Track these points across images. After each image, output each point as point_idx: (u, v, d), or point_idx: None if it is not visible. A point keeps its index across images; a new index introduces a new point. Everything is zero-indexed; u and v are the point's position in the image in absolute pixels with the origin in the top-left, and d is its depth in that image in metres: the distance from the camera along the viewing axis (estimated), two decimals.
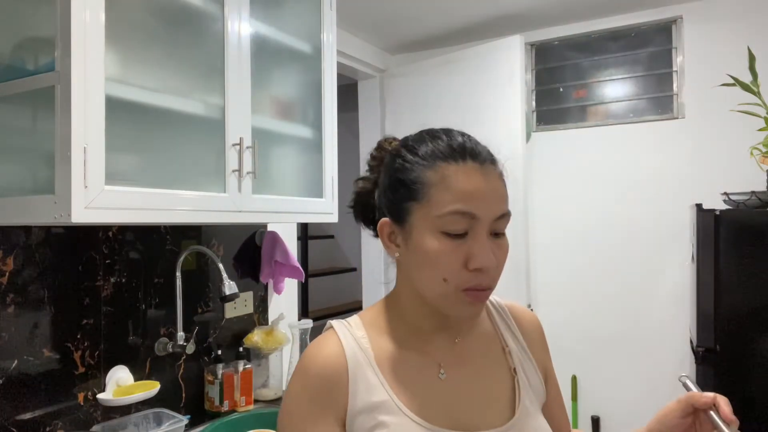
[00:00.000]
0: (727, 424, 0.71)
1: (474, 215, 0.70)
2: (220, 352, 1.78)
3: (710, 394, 0.74)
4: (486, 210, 0.70)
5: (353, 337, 0.77)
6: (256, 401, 1.86)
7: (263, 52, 1.54)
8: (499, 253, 0.72)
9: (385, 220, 0.77)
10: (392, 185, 0.76)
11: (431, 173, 0.72)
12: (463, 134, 0.77)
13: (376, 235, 0.80)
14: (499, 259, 0.72)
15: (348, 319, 0.81)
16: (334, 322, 0.80)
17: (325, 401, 0.72)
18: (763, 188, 1.88)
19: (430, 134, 0.77)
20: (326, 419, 0.71)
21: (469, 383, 0.78)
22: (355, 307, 4.16)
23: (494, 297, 0.87)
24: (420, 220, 0.72)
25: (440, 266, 0.70)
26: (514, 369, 0.81)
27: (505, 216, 0.73)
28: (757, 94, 1.89)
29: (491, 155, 0.75)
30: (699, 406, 0.75)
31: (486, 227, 0.71)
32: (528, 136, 2.73)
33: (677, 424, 0.77)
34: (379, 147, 0.84)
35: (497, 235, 0.73)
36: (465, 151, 0.73)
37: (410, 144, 0.77)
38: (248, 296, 1.97)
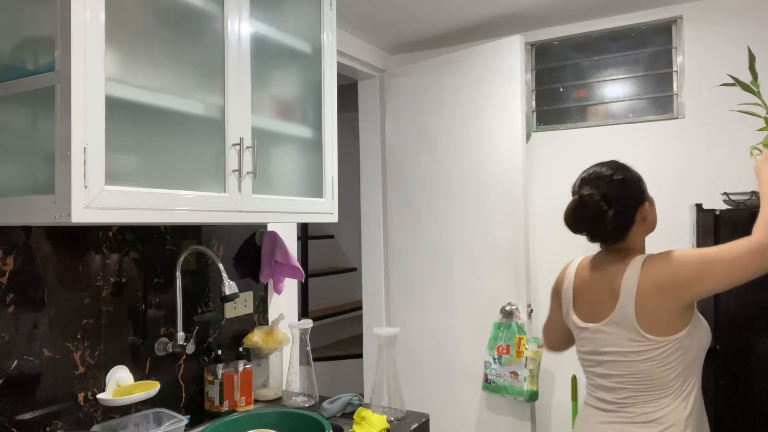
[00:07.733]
0: None
1: None
2: (220, 352, 1.78)
3: None
4: None
5: None
6: (256, 401, 1.86)
7: (263, 52, 1.54)
8: None
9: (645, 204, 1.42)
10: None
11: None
12: None
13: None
14: None
15: None
16: None
17: None
18: None
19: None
20: None
21: None
22: (355, 307, 4.14)
23: None
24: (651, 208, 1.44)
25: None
26: None
27: None
28: (757, 94, 1.89)
29: None
30: None
31: None
32: (528, 136, 2.73)
33: None
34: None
35: None
36: None
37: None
38: (248, 296, 1.97)
